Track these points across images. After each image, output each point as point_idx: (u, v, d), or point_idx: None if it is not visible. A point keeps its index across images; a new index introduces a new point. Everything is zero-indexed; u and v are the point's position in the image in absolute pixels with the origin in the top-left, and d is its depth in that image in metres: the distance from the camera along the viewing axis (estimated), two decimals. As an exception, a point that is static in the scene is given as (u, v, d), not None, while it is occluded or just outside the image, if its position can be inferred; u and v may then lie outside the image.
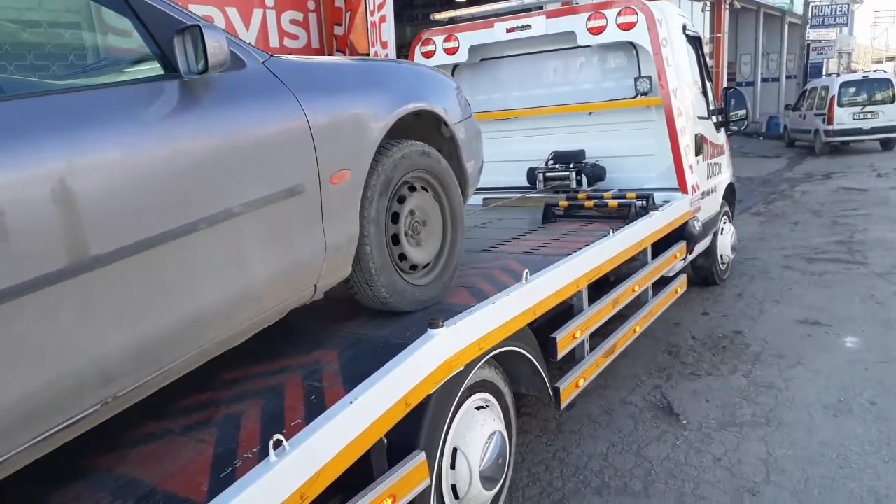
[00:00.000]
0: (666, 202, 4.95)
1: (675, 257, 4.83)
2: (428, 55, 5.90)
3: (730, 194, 6.80)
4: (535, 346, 3.09)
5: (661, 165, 5.24)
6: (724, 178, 6.46)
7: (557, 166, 5.47)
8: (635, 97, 5.33)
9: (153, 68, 1.87)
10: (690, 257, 5.42)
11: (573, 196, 5.02)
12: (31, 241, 1.44)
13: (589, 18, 5.14)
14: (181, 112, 1.84)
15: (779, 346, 4.95)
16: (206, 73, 1.81)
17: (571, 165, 5.39)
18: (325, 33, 8.56)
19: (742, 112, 6.30)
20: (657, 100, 5.11)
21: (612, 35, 5.09)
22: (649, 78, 5.16)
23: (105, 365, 1.62)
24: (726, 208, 6.63)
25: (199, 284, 1.84)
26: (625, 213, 4.43)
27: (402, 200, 2.69)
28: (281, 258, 2.09)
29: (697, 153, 5.52)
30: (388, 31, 8.26)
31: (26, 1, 2.17)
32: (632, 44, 5.19)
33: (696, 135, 5.48)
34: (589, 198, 4.99)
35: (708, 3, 22.19)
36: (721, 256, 6.50)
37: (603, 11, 5.09)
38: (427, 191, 2.82)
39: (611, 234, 3.75)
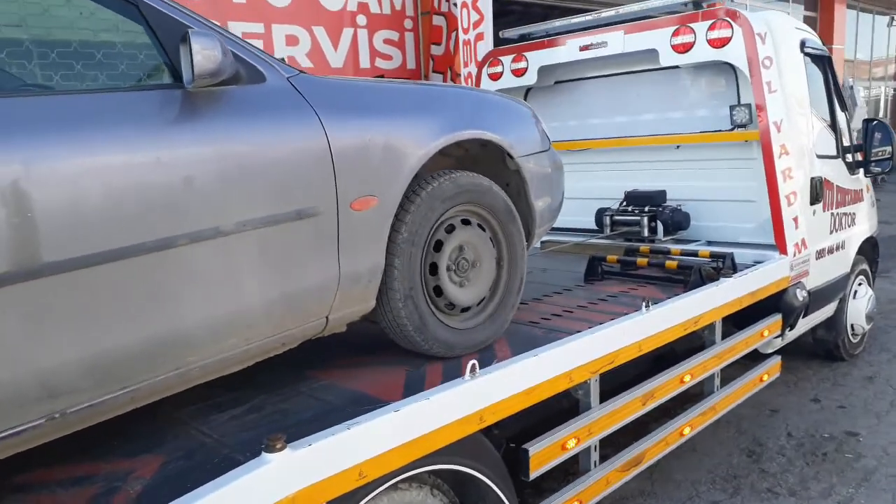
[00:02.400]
0: (759, 263, 3.93)
1: (762, 336, 3.79)
2: (495, 77, 5.24)
3: (870, 251, 5.49)
4: (497, 462, 2.35)
5: (760, 215, 4.20)
6: (860, 230, 5.20)
7: (630, 209, 4.58)
8: (731, 130, 4.33)
9: (163, 77, 1.89)
10: (791, 335, 4.31)
11: (634, 248, 4.12)
12: None
13: (674, 34, 4.24)
14: (177, 122, 1.79)
15: (904, 463, 3.75)
16: (196, 82, 1.75)
17: (647, 209, 4.48)
18: (422, 53, 8.14)
19: (888, 149, 5.02)
20: (755, 133, 4.09)
21: (702, 54, 4.15)
22: (748, 107, 4.16)
23: (49, 378, 1.57)
24: (863, 266, 5.34)
25: (176, 302, 1.76)
26: (687, 278, 3.49)
27: (448, 234, 2.47)
28: (281, 284, 1.97)
29: (814, 201, 4.40)
30: (487, 51, 7.69)
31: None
32: (732, 65, 4.22)
33: (812, 178, 4.37)
34: (652, 252, 4.07)
35: (894, 18, 19.50)
36: (851, 327, 5.24)
37: (691, 25, 4.17)
38: (481, 227, 2.59)
39: (643, 309, 2.89)
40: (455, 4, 7.54)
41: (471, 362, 2.16)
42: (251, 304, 1.92)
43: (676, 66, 4.45)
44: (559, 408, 2.75)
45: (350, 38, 7.47)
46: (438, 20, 7.92)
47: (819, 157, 4.50)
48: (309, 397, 2.23)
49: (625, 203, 4.63)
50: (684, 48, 4.22)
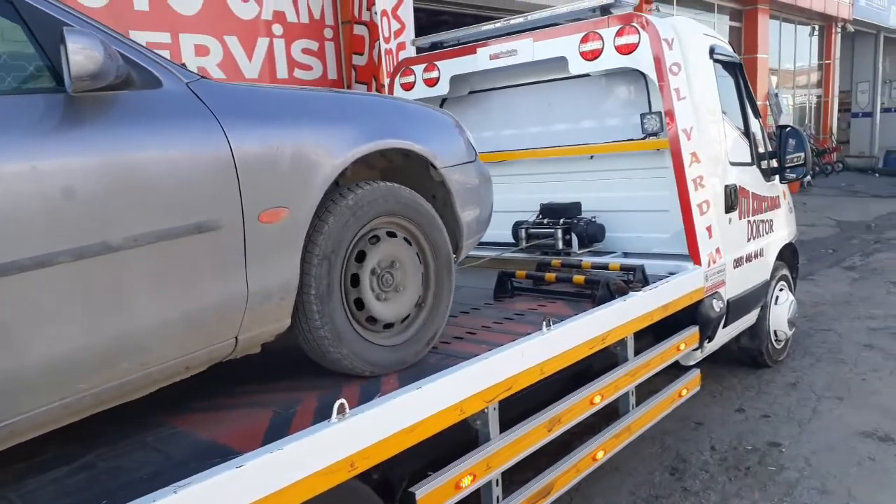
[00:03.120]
0: (672, 274, 3.82)
1: (678, 349, 3.67)
2: (407, 87, 5.04)
3: (789, 256, 5.49)
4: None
5: (674, 225, 4.09)
6: (779, 237, 5.18)
7: (545, 221, 4.43)
8: (643, 138, 4.23)
9: (44, 82, 1.74)
10: (711, 346, 4.22)
11: (546, 262, 3.95)
12: None
13: (583, 40, 4.13)
14: (58, 129, 1.66)
15: (824, 474, 3.66)
16: (74, 85, 1.61)
17: (561, 221, 4.34)
18: (343, 63, 7.91)
19: (801, 155, 5.02)
20: (666, 142, 4.00)
21: (611, 61, 4.04)
22: (659, 114, 4.06)
23: None
24: (784, 272, 5.33)
25: (58, 324, 1.62)
26: (595, 293, 3.34)
27: (367, 249, 2.38)
28: (178, 303, 1.84)
29: (729, 209, 4.33)
30: (408, 61, 7.51)
31: None
32: (642, 72, 4.12)
33: (727, 186, 4.31)
34: (564, 266, 3.92)
35: (815, 28, 20.21)
36: (774, 333, 5.20)
37: (599, 31, 4.06)
38: (408, 241, 2.51)
39: (543, 328, 2.71)
40: (376, 13, 7.34)
41: (338, 402, 1.93)
42: (145, 325, 1.78)
43: (587, 74, 4.34)
44: (465, 437, 2.54)
45: (266, 47, 7.18)
46: (360, 29, 7.70)
47: (733, 164, 4.44)
48: (152, 450, 1.96)
49: (540, 216, 4.48)
50: (593, 55, 4.10)
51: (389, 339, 2.48)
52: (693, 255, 3.90)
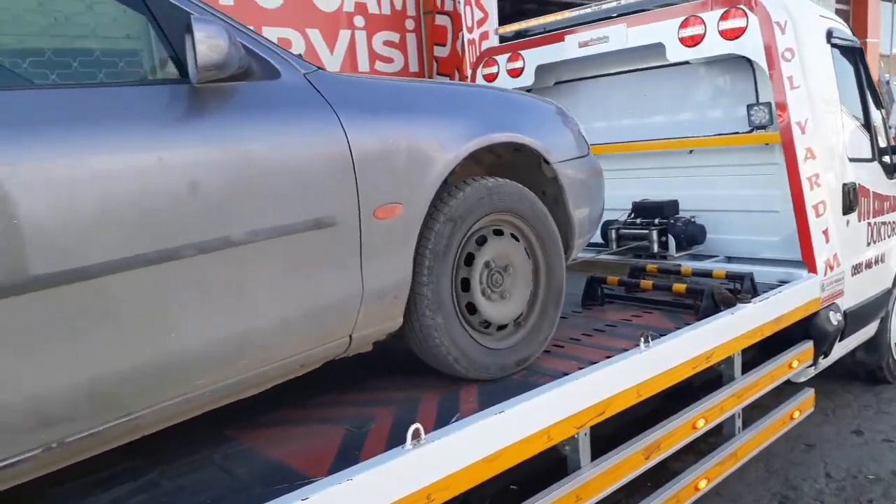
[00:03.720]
0: (784, 283, 3.44)
1: (790, 367, 3.30)
2: (489, 78, 4.81)
3: (913, 262, 4.94)
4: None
5: (785, 227, 3.70)
6: (902, 240, 4.66)
7: (638, 221, 4.11)
8: (750, 132, 3.84)
9: (168, 72, 1.76)
10: (826, 362, 3.80)
11: (640, 267, 3.64)
12: None
13: (682, 25, 3.78)
14: (181, 120, 1.63)
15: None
16: (200, 75, 1.58)
17: (657, 221, 4.01)
18: (425, 55, 7.74)
19: (930, 149, 4.49)
20: (776, 136, 3.61)
21: (714, 47, 3.68)
22: (768, 105, 3.67)
23: (42, 405, 1.42)
24: (907, 281, 4.79)
25: (180, 319, 1.59)
26: (697, 304, 3.01)
27: (480, 246, 2.29)
28: (297, 300, 1.80)
29: (848, 210, 3.90)
30: (492, 52, 7.26)
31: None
32: (749, 59, 3.74)
33: (845, 185, 3.87)
34: (660, 271, 3.60)
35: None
36: (894, 348, 4.69)
37: (701, 15, 3.71)
38: (517, 239, 2.40)
39: (641, 345, 2.44)
40: (459, 2, 7.14)
41: (413, 427, 1.73)
42: (265, 321, 1.75)
43: (687, 62, 3.99)
44: (552, 457, 2.31)
45: (347, 39, 7.11)
46: (442, 19, 7.52)
47: (852, 160, 3.99)
48: (218, 468, 1.82)
49: (632, 215, 4.16)
50: (693, 41, 3.75)
51: (503, 342, 2.38)
52: (808, 262, 3.50)
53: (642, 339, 2.44)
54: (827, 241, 3.57)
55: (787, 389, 3.57)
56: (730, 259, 4.00)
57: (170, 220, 1.55)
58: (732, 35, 3.61)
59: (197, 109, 1.66)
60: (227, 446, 1.94)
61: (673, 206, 4.06)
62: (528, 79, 4.56)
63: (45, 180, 1.39)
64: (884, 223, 4.39)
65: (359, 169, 1.89)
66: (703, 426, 2.72)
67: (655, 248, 3.92)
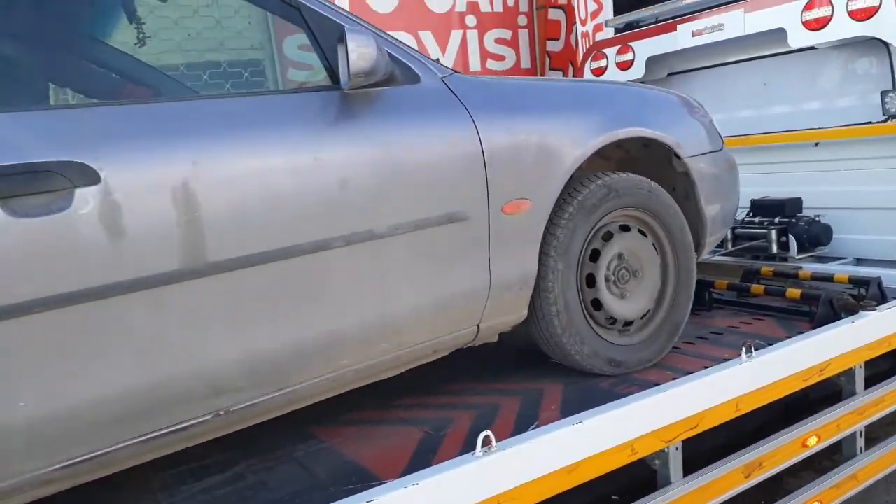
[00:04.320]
0: (917, 289, 3.11)
1: (923, 382, 2.97)
2: (598, 72, 4.70)
3: None
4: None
5: (925, 226, 3.35)
6: None
7: (757, 220, 3.85)
8: (885, 121, 3.50)
9: (322, 80, 1.87)
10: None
11: (755, 270, 3.39)
12: (147, 239, 1.48)
13: (806, 7, 3.51)
14: (334, 124, 1.80)
15: None
16: (351, 82, 1.74)
17: (777, 220, 3.74)
18: (537, 51, 7.65)
19: None
20: (916, 125, 3.26)
21: (842, 29, 3.39)
22: (908, 91, 3.33)
23: (213, 375, 1.62)
24: None
25: (330, 304, 1.77)
26: (814, 310, 2.77)
27: (606, 241, 2.33)
28: (430, 289, 1.94)
29: None
30: (607, 44, 7.05)
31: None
32: (883, 41, 3.40)
33: None
34: (776, 274, 3.34)
35: None
36: None
37: (828, -5, 3.41)
38: (644, 234, 2.42)
39: (743, 356, 2.28)
40: (572, -6, 6.99)
41: (483, 434, 1.71)
42: (402, 308, 1.90)
43: (812, 48, 3.69)
44: (641, 471, 2.22)
45: (459, 40, 7.13)
46: (555, 14, 7.39)
47: None
48: (298, 465, 1.90)
49: (751, 213, 3.90)
50: (819, 24, 3.47)
51: (630, 338, 2.41)
52: (950, 265, 3.14)
53: (744, 349, 2.28)
54: (976, 241, 3.18)
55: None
56: (859, 262, 3.67)
57: (323, 214, 1.72)
58: (864, 15, 3.30)
59: (347, 113, 1.81)
60: (310, 444, 2.02)
61: (795, 203, 3.77)
62: (638, 71, 4.41)
63: (221, 178, 1.58)
64: None
65: (489, 166, 1.99)
66: (815, 444, 2.50)
67: (774, 248, 3.66)
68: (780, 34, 3.61)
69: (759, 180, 4.09)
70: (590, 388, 2.27)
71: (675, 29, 4.13)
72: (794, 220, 3.67)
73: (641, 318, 2.43)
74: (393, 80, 1.88)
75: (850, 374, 2.72)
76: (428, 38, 6.94)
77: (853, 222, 3.70)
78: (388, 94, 1.89)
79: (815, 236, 3.61)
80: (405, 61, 1.96)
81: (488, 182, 1.99)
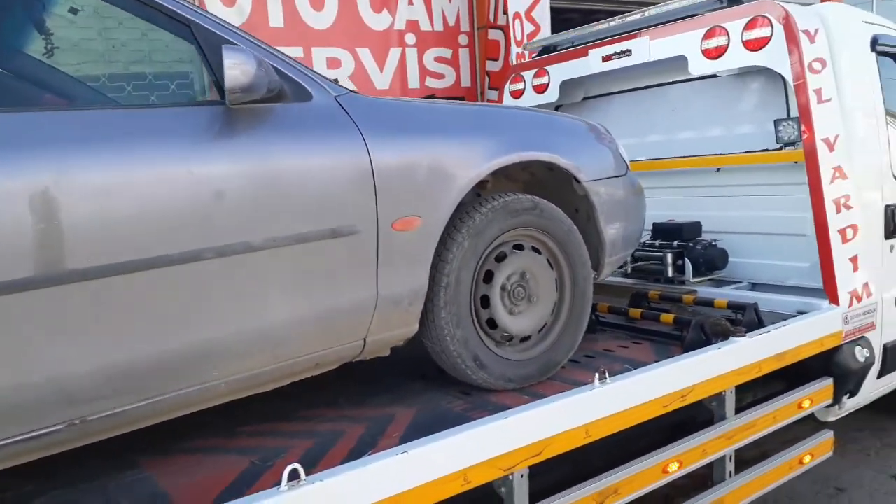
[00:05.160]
0: (802, 314, 3.16)
1: (800, 407, 3.00)
2: (516, 95, 4.72)
3: None
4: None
5: (816, 253, 3.38)
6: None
7: (657, 243, 3.89)
8: (780, 149, 3.56)
9: (210, 95, 1.95)
10: (855, 403, 3.44)
11: (643, 293, 3.40)
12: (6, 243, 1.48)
13: (705, 36, 3.56)
14: (213, 138, 1.83)
15: None
16: (229, 97, 1.77)
17: (675, 244, 3.78)
18: (477, 71, 7.68)
19: None
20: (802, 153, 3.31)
21: (737, 58, 3.44)
22: (798, 120, 3.38)
23: (66, 383, 1.60)
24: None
25: (198, 316, 1.77)
26: (685, 335, 2.78)
27: (500, 260, 2.40)
28: (313, 303, 1.96)
29: (891, 235, 3.53)
30: (545, 65, 7.11)
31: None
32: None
33: (888, 207, 3.51)
34: (663, 298, 3.37)
35: None
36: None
37: (724, 25, 3.47)
38: (540, 253, 2.48)
39: (596, 381, 2.28)
40: (509, 16, 7.05)
41: (290, 467, 1.67)
42: (281, 321, 1.90)
43: (714, 76, 3.75)
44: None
45: (398, 57, 7.13)
46: (495, 34, 7.43)
47: (903, 179, 3.61)
48: (102, 497, 1.81)
49: (650, 237, 3.94)
50: (717, 53, 3.52)
51: (526, 353, 2.47)
52: (829, 292, 3.19)
53: (597, 375, 2.29)
54: (855, 269, 3.24)
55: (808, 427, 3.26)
56: (754, 286, 3.72)
57: (193, 226, 1.73)
58: (756, 46, 3.36)
59: (229, 128, 1.84)
60: (128, 474, 1.93)
61: (694, 227, 3.82)
62: (552, 95, 4.43)
63: (85, 187, 1.59)
64: (945, 249, 3.94)
65: (379, 183, 2.03)
66: (676, 470, 2.51)
67: (670, 272, 3.70)
68: (682, 61, 3.67)
69: (668, 204, 4.14)
70: (442, 414, 2.25)
71: (587, 54, 4.18)
72: (690, 245, 3.70)
73: (539, 332, 2.51)
74: (282, 96, 1.92)
75: (720, 399, 2.74)
76: (366, 55, 6.92)
77: (751, 247, 3.76)
78: (276, 111, 1.92)
79: (711, 260, 3.65)
80: (297, 79, 2.00)
81: (377, 199, 2.03)
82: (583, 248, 2.58)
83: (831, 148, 3.23)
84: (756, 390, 3.38)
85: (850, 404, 3.47)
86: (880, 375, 3.56)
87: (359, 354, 2.17)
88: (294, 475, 1.67)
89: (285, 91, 1.93)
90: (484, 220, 2.30)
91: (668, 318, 2.91)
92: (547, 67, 4.44)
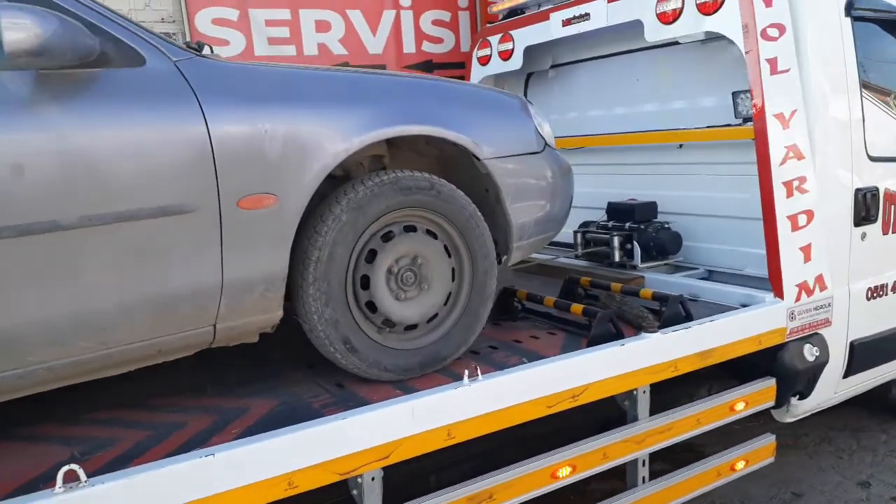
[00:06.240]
0: (745, 307, 2.90)
1: (732, 410, 2.77)
2: (483, 61, 4.48)
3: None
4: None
5: (773, 238, 3.11)
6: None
7: (611, 224, 3.64)
8: (741, 124, 3.26)
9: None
10: (809, 406, 3.18)
11: (575, 279, 3.17)
12: None
13: (660, 0, 3.25)
14: (13, 107, 1.65)
15: None
16: (14, 62, 1.59)
17: (627, 226, 3.53)
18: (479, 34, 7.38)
19: None
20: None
21: (691, 23, 3.14)
22: (754, 93, 3.08)
23: None
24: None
25: (10, 296, 1.65)
26: (591, 328, 2.56)
27: (387, 240, 2.21)
28: (142, 285, 1.80)
29: (863, 221, 3.22)
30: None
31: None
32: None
33: (859, 190, 3.19)
34: (593, 285, 3.12)
35: None
36: (949, 386, 3.88)
37: (679, -13, 3.16)
38: (436, 238, 2.29)
39: (465, 379, 2.11)
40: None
41: (65, 468, 1.55)
42: (103, 305, 1.77)
43: (676, 43, 3.45)
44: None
45: (391, 21, 6.88)
46: (498, -6, 7.11)
47: (877, 159, 3.28)
48: None
49: (605, 218, 3.70)
50: (672, 16, 3.22)
51: (413, 342, 2.29)
52: (774, 285, 2.91)
53: (466, 372, 2.11)
54: (808, 259, 2.95)
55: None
56: (711, 273, 3.45)
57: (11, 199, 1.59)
58: (710, 9, 3.06)
59: (37, 96, 1.68)
60: None
61: (648, 208, 3.56)
62: (517, 61, 4.18)
63: None
64: (931, 237, 3.59)
65: (220, 159, 1.85)
66: (568, 475, 2.34)
67: (617, 256, 3.45)
68: (639, 26, 3.37)
69: (632, 182, 3.89)
70: (300, 408, 2.10)
71: (548, 18, 3.90)
72: (642, 227, 3.45)
73: (428, 321, 2.31)
74: (106, 61, 1.76)
75: (632, 398, 2.54)
76: (357, 17, 6.66)
77: (709, 230, 3.49)
78: (99, 77, 1.76)
79: (661, 244, 3.40)
80: (127, 41, 1.84)
81: (218, 175, 1.85)
82: (486, 237, 2.37)
83: (785, 124, 2.92)
84: (714, 385, 3.19)
85: (808, 406, 3.21)
86: (847, 375, 3.29)
87: (211, 341, 2.02)
88: (71, 477, 1.55)
89: (109, 55, 1.77)
90: (368, 194, 2.12)
91: (577, 308, 2.68)
92: (511, 32, 4.18)
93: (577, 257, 3.71)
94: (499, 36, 4.29)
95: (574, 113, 4.28)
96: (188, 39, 6.04)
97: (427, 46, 7.14)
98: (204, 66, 1.95)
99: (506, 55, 4.24)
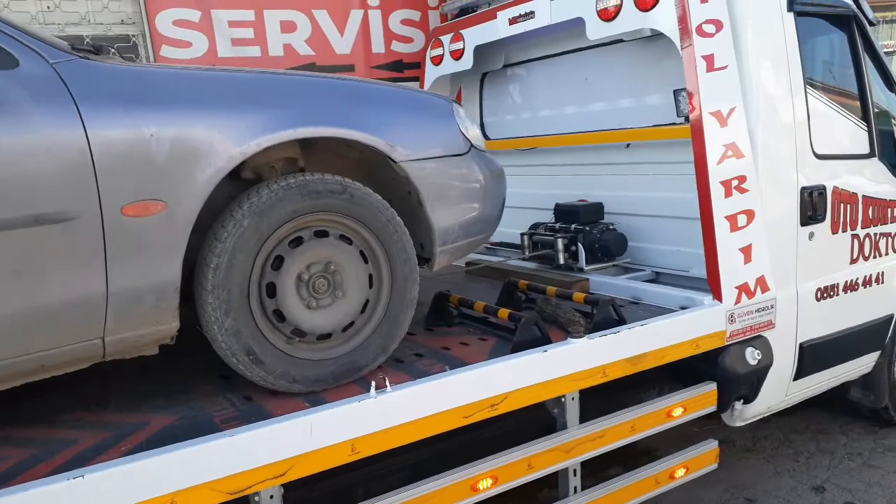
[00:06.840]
0: (684, 309, 2.83)
1: (669, 416, 2.70)
2: (436, 61, 4.41)
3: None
4: None
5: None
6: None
7: (557, 226, 3.57)
8: (684, 123, 3.19)
9: None
10: (757, 410, 3.11)
11: (514, 283, 3.09)
12: None
13: (600, -4, 3.18)
14: None
15: None
16: None
17: (573, 227, 3.46)
18: (449, 34, 7.30)
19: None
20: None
21: (631, 20, 3.07)
22: (694, 91, 3.01)
23: None
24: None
25: None
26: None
27: (296, 246, 2.13)
28: (11, 297, 1.73)
29: (810, 220, 3.15)
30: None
31: None
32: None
33: (805, 189, 3.12)
34: (530, 288, 3.04)
35: None
36: (904, 385, 3.82)
37: (618, -17, 3.09)
38: (351, 243, 2.22)
39: (372, 391, 2.03)
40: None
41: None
42: None
43: (620, 41, 3.39)
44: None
45: (359, 20, 6.80)
46: (470, -5, 7.04)
47: (824, 157, 3.21)
48: None
49: (552, 219, 3.62)
50: (612, 13, 3.15)
51: (326, 353, 2.20)
52: (713, 287, 2.84)
53: (373, 385, 2.04)
54: (749, 260, 2.88)
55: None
56: (658, 275, 3.38)
57: None
58: (647, 5, 2.99)
59: None
60: None
61: (593, 210, 3.49)
62: (467, 61, 4.11)
63: None
64: (884, 234, 3.53)
65: (99, 164, 1.79)
66: (489, 487, 2.26)
67: (562, 258, 3.38)
68: (581, 24, 3.30)
69: (578, 182, 3.82)
70: (200, 423, 2.02)
71: (496, 16, 3.83)
72: (587, 229, 3.38)
73: (343, 331, 2.23)
74: None
75: (561, 405, 2.47)
76: (323, 17, 6.56)
77: (656, 231, 3.42)
78: None
79: (606, 246, 3.34)
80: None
81: (98, 181, 1.79)
82: (406, 241, 2.30)
83: (723, 122, 2.85)
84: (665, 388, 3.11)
85: (757, 409, 3.14)
86: (799, 377, 3.22)
87: (102, 355, 1.92)
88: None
89: None
90: (273, 198, 2.04)
91: (504, 313, 2.61)
92: (462, 31, 4.11)
93: (524, 260, 3.63)
94: (450, 35, 4.21)
95: (527, 113, 4.21)
96: (149, 42, 5.98)
97: (396, 46, 7.05)
98: (86, 68, 1.89)
99: (457, 55, 4.17)
